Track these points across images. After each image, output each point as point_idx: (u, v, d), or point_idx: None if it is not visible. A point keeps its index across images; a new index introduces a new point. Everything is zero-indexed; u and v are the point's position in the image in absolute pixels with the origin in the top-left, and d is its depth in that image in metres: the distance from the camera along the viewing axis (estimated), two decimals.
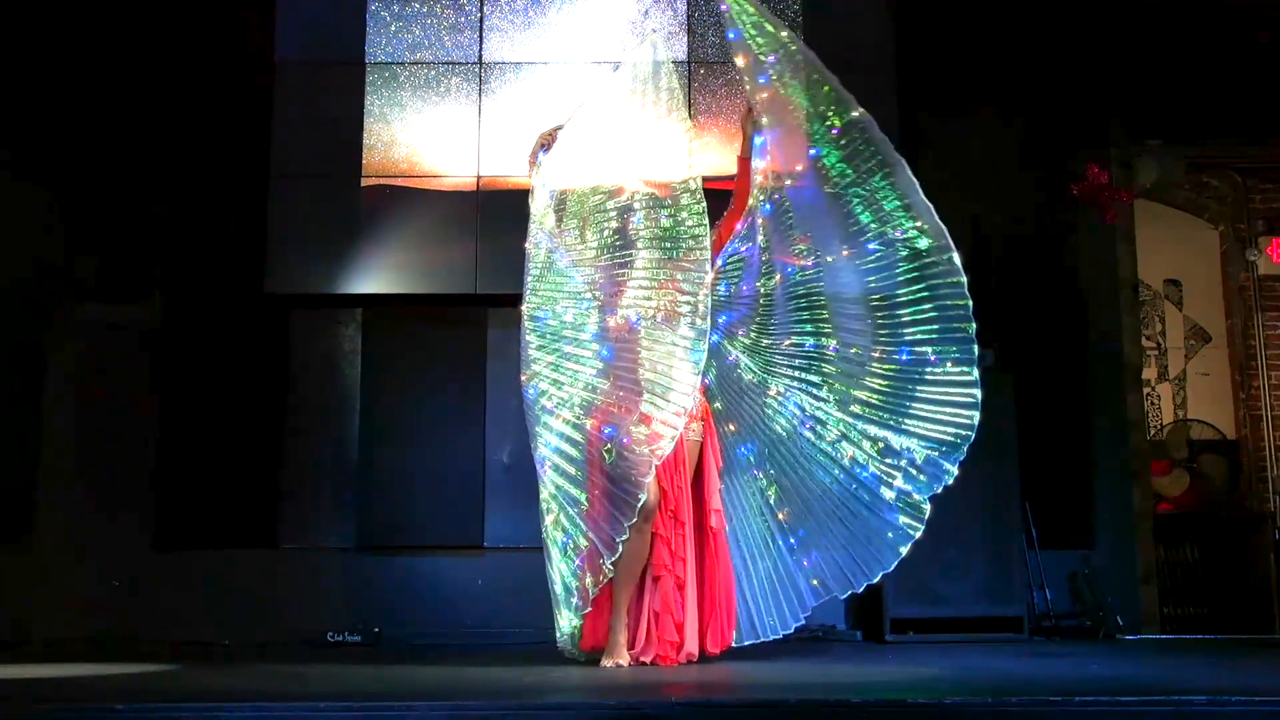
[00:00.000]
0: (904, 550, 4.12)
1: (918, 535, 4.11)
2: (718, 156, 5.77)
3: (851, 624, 5.50)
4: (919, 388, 4.09)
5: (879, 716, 2.74)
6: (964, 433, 4.05)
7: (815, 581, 4.22)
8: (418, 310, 5.91)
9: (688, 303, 4.04)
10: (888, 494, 4.13)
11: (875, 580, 4.17)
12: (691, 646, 4.04)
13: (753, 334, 4.34)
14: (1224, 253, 7.15)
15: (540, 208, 4.24)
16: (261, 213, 5.82)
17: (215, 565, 5.61)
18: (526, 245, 4.23)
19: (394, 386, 5.83)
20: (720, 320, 4.30)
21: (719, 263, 4.31)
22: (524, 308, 4.20)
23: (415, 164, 5.89)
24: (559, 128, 4.29)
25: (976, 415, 4.03)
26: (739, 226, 4.32)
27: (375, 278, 5.80)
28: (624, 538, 3.86)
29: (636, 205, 4.16)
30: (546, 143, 4.26)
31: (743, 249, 4.33)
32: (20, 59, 5.95)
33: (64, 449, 5.75)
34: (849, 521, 4.18)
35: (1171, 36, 5.99)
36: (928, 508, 4.10)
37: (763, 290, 4.31)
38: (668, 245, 4.12)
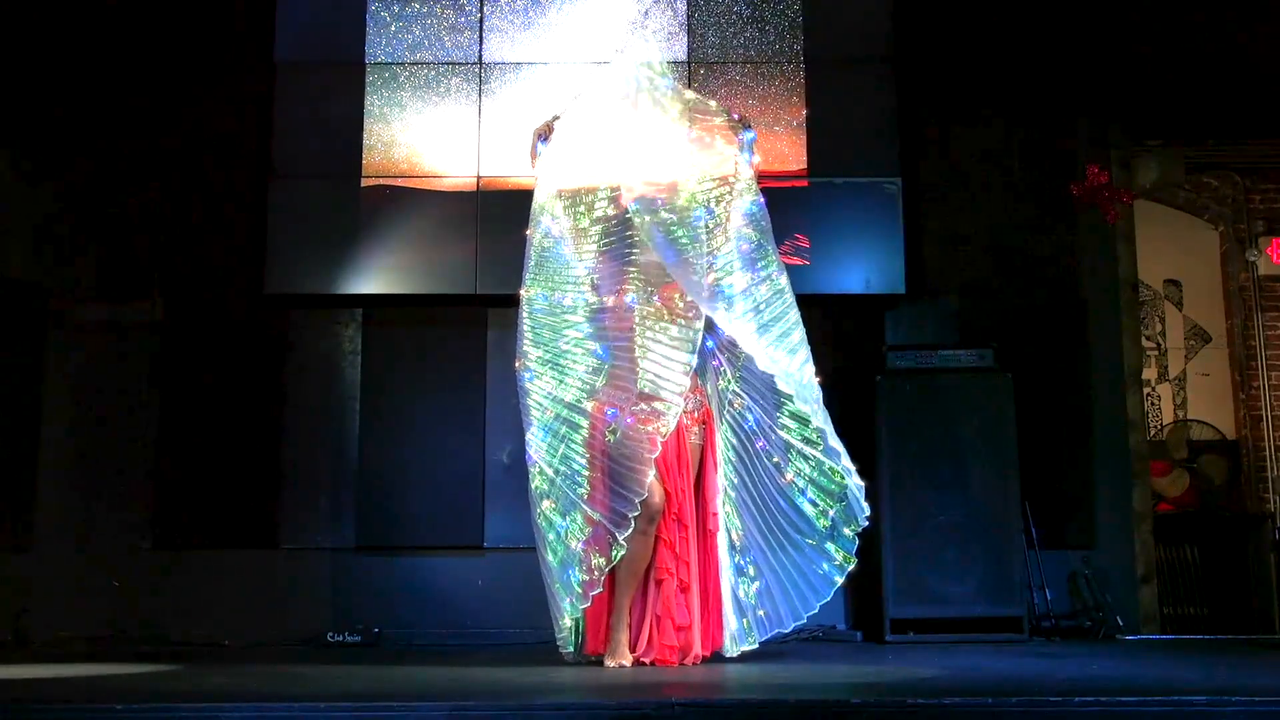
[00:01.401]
0: (838, 582, 4.18)
1: (850, 568, 4.18)
2: None
3: (851, 624, 5.50)
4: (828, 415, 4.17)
5: (879, 716, 2.74)
6: (853, 472, 4.13)
7: (762, 612, 4.23)
8: (418, 310, 5.91)
9: (684, 299, 4.09)
10: (823, 522, 4.19)
11: (815, 610, 4.21)
12: (697, 649, 4.05)
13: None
14: (1224, 253, 7.15)
15: (545, 198, 4.26)
16: (261, 213, 5.82)
17: (215, 565, 5.61)
18: (528, 232, 4.25)
19: (394, 386, 5.83)
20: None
21: (717, 262, 4.30)
22: (523, 292, 4.21)
23: (415, 164, 5.89)
24: (555, 118, 4.32)
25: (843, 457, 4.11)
26: (731, 227, 4.31)
27: (375, 278, 5.80)
28: (635, 513, 3.86)
29: (638, 206, 4.18)
30: (544, 133, 4.29)
31: (742, 247, 4.33)
32: (21, 58, 5.95)
33: (64, 449, 5.75)
34: (788, 549, 4.22)
35: (1171, 37, 5.99)
36: (857, 542, 4.17)
37: (753, 289, 4.30)
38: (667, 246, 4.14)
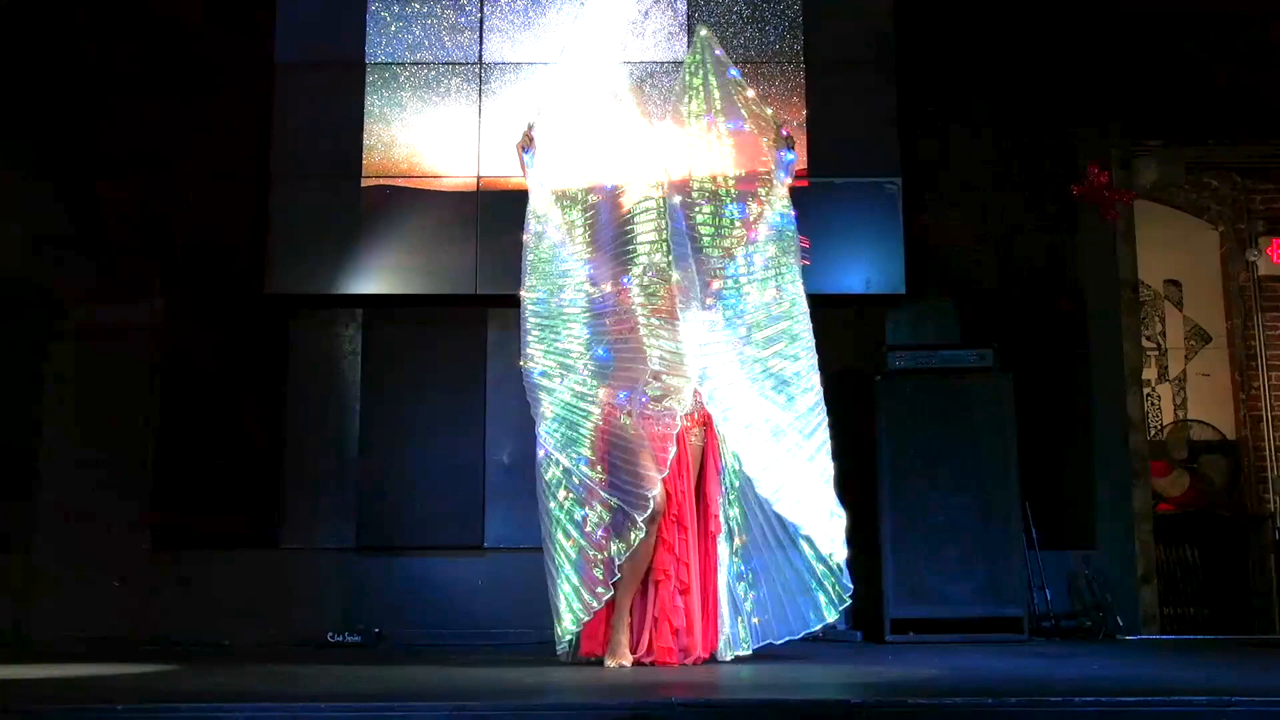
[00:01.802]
0: (830, 618, 4.18)
1: (843, 607, 4.19)
2: None
3: (851, 624, 5.49)
4: None
5: (879, 716, 2.74)
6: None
7: (757, 620, 4.22)
8: (418, 310, 5.90)
9: (682, 301, 4.08)
10: (818, 568, 4.19)
11: (814, 629, 4.20)
12: (698, 651, 4.05)
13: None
14: (1224, 253, 7.14)
15: (542, 205, 4.26)
16: (262, 213, 5.82)
17: (215, 565, 5.61)
18: (525, 237, 4.27)
19: (394, 386, 5.83)
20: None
21: (730, 268, 4.29)
22: (522, 293, 4.24)
23: (415, 164, 5.89)
24: (531, 125, 4.33)
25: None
26: (752, 235, 4.30)
27: (375, 278, 5.80)
28: (655, 492, 3.88)
29: (639, 209, 4.18)
30: (526, 145, 4.31)
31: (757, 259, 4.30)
32: (22, 58, 5.95)
33: (64, 449, 5.75)
34: (792, 560, 4.21)
35: (1171, 37, 5.99)
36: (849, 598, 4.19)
37: (760, 301, 4.27)
38: (667, 249, 4.14)
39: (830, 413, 4.32)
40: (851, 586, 4.17)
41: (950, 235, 5.99)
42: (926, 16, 6.02)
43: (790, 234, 4.29)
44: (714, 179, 4.28)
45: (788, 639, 4.22)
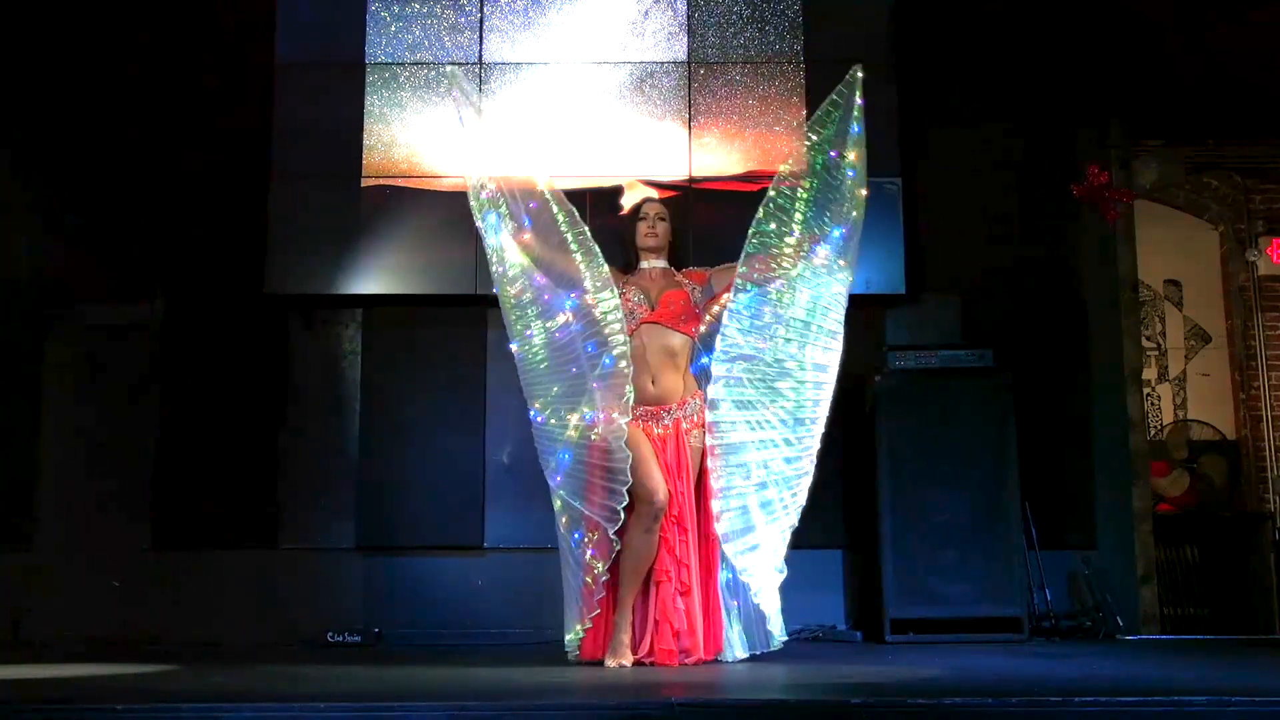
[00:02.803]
0: (778, 645, 4.24)
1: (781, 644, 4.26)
2: (715, 157, 5.78)
3: (851, 624, 5.50)
4: None
5: (879, 716, 2.74)
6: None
7: (738, 628, 4.25)
8: (418, 310, 5.90)
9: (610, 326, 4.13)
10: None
11: (773, 647, 4.24)
12: (699, 653, 4.06)
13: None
14: (1224, 253, 7.15)
15: (512, 256, 4.33)
16: (261, 213, 5.82)
17: (215, 565, 5.61)
18: (497, 290, 4.37)
19: (394, 386, 5.83)
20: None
21: (744, 300, 4.28)
22: (512, 347, 4.34)
23: (415, 164, 5.89)
24: (483, 186, 4.43)
25: None
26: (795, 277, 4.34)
27: (375, 278, 5.80)
28: (623, 504, 3.93)
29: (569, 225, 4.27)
30: (495, 198, 4.40)
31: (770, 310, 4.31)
32: (20, 59, 5.95)
33: (64, 449, 5.75)
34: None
35: (1172, 37, 5.99)
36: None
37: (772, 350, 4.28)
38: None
39: (830, 413, 4.33)
40: (781, 637, 4.23)
41: (950, 235, 5.98)
42: (926, 17, 6.02)
43: (839, 305, 4.36)
44: (813, 206, 4.39)
45: (760, 651, 4.25)
